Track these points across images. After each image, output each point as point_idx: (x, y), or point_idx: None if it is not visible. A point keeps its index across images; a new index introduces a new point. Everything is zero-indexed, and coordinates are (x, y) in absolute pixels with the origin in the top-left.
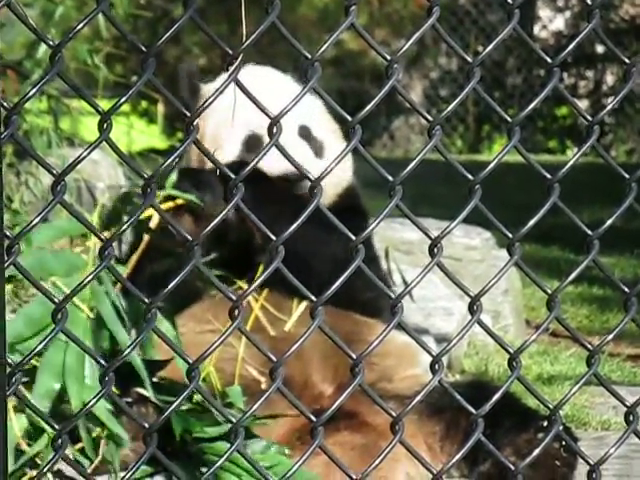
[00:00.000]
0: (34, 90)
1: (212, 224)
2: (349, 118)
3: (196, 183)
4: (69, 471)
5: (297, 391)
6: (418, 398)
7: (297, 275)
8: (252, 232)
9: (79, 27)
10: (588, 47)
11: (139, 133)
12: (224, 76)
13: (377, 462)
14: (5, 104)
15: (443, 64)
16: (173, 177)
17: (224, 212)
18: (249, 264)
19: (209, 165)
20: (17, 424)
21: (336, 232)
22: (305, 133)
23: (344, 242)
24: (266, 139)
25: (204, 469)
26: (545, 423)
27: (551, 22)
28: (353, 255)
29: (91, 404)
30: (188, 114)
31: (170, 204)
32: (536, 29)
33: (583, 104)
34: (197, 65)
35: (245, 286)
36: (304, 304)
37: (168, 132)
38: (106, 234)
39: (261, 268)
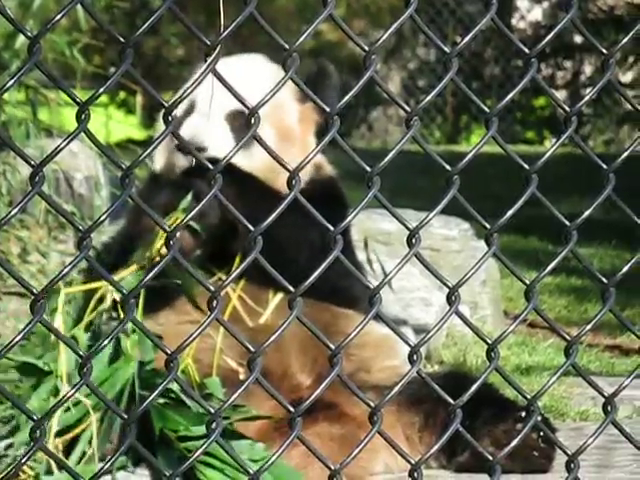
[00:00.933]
0: (12, 81)
1: (190, 215)
2: (327, 109)
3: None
4: None
5: (275, 382)
6: (396, 389)
7: (275, 266)
8: (232, 223)
9: (57, 18)
10: (566, 37)
11: (117, 124)
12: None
13: (355, 453)
14: None
15: (421, 55)
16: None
17: (202, 202)
18: (227, 255)
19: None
20: None
21: (314, 222)
22: (234, 119)
23: (322, 232)
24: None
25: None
26: (523, 414)
27: (529, 12)
28: (331, 245)
29: (70, 394)
30: (166, 105)
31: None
32: (514, 20)
33: (561, 95)
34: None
35: (224, 277)
36: (280, 295)
37: (146, 123)
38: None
39: (238, 259)
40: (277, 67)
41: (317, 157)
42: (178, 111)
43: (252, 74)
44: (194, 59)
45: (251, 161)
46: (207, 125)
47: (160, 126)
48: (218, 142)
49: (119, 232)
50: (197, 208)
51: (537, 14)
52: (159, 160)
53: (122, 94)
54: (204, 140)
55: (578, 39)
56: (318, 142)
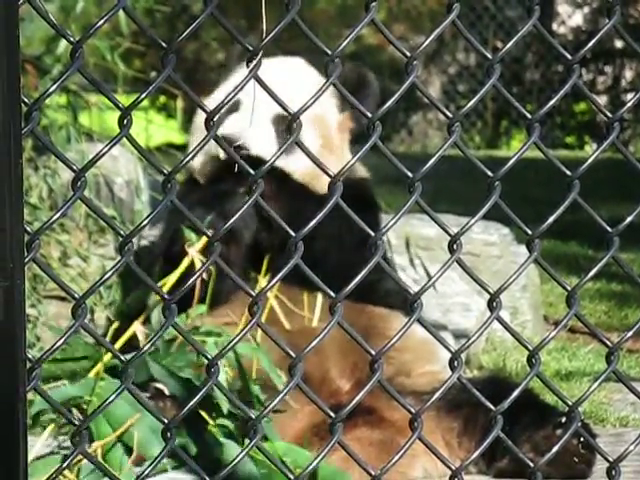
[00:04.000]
0: (55, 86)
1: (230, 222)
2: (369, 115)
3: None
4: None
5: (315, 386)
6: (437, 395)
7: (313, 269)
8: (271, 228)
9: (100, 23)
10: (607, 42)
11: (158, 127)
12: (241, 71)
13: (397, 459)
14: (26, 100)
15: (461, 59)
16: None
17: (245, 207)
18: (258, 253)
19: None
20: None
21: (352, 226)
22: (279, 122)
23: (360, 236)
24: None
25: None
26: (563, 419)
27: (570, 18)
28: (372, 250)
29: (111, 399)
30: (209, 111)
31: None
32: (555, 25)
33: (602, 100)
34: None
35: (259, 278)
36: (320, 298)
37: (187, 127)
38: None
39: (266, 260)
40: (317, 71)
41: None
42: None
43: (294, 78)
44: (232, 63)
45: (293, 166)
46: (251, 125)
47: (196, 128)
48: (261, 144)
49: (160, 239)
50: (238, 213)
51: (578, 19)
52: (196, 164)
53: (162, 98)
54: (247, 140)
55: (619, 44)
56: (357, 147)
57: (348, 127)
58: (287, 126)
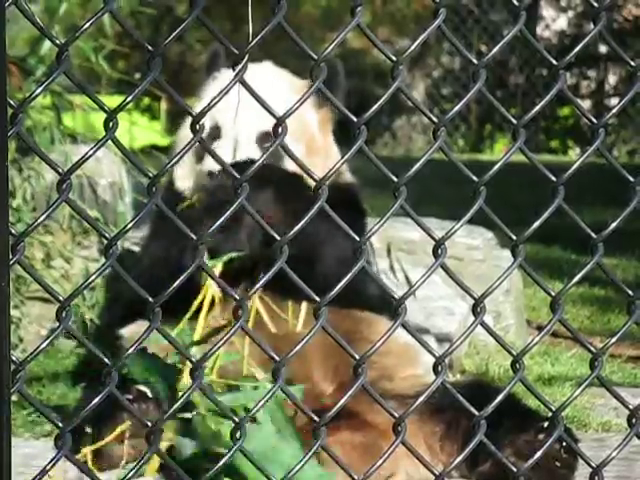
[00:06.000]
0: (40, 89)
1: (217, 223)
2: (354, 119)
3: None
4: None
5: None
6: (421, 399)
7: (298, 274)
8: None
9: (87, 26)
10: (591, 47)
11: (141, 129)
12: (226, 74)
13: (380, 463)
14: (11, 102)
15: (445, 63)
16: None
17: (229, 211)
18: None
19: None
20: None
21: (337, 231)
22: (264, 140)
23: (344, 240)
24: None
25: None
26: (546, 424)
27: (554, 22)
28: (357, 255)
29: (94, 402)
30: (194, 113)
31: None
32: (539, 29)
33: (585, 104)
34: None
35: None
36: (305, 303)
37: (171, 129)
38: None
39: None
40: (288, 73)
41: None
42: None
43: (268, 83)
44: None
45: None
46: (238, 150)
47: (183, 134)
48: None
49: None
50: (225, 215)
51: (562, 23)
52: (179, 170)
53: (146, 100)
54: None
55: (603, 49)
56: (341, 148)
57: (328, 121)
58: (272, 131)
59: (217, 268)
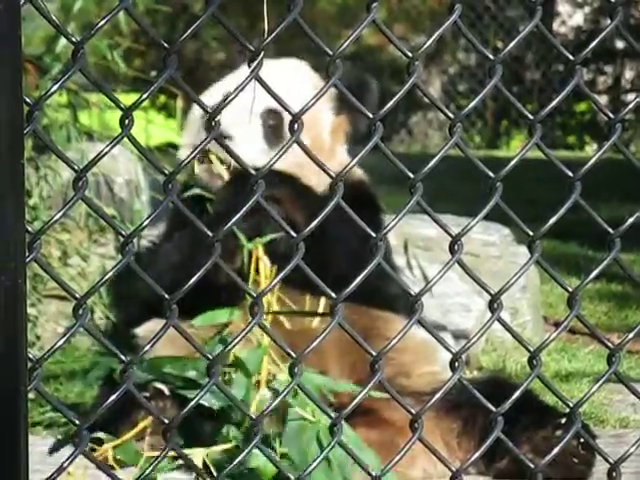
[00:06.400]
0: (56, 86)
1: (230, 223)
2: (370, 115)
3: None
4: None
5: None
6: (438, 395)
7: (314, 270)
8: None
9: (102, 23)
10: (608, 42)
11: (157, 127)
12: (240, 71)
13: (397, 460)
14: (27, 100)
15: (461, 59)
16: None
17: (245, 208)
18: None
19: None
20: None
21: (352, 227)
22: (267, 117)
23: (360, 237)
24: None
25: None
26: (563, 420)
27: (570, 17)
28: (373, 251)
29: (111, 399)
30: (209, 110)
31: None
32: (555, 25)
33: (602, 99)
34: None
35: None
36: (323, 298)
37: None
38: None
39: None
40: (313, 71)
41: (347, 161)
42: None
43: (291, 78)
44: (234, 63)
45: (281, 165)
46: (239, 118)
47: (189, 128)
48: (246, 136)
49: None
50: (240, 214)
51: (578, 19)
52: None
53: (162, 98)
54: (233, 131)
55: (620, 44)
56: (356, 148)
57: (342, 130)
58: (288, 127)
59: (259, 250)
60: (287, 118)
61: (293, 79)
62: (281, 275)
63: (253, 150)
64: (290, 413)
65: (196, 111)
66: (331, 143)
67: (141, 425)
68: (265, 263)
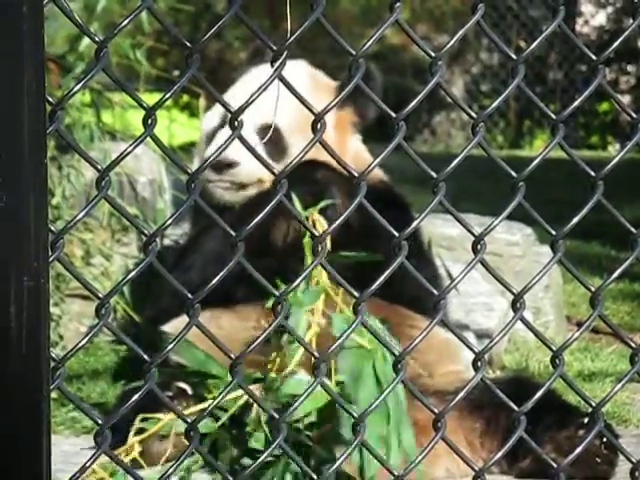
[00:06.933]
0: (79, 86)
1: (255, 221)
2: (393, 115)
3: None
4: None
5: None
6: (461, 395)
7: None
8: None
9: (125, 23)
10: (630, 42)
11: (180, 126)
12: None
13: (420, 459)
14: (50, 99)
15: (484, 59)
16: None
17: (266, 210)
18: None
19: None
20: None
21: (378, 227)
22: (264, 132)
23: (387, 237)
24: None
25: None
26: (585, 420)
27: (593, 17)
28: (396, 251)
29: (134, 399)
30: (232, 110)
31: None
32: (578, 25)
33: (625, 99)
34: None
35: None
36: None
37: None
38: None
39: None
40: (315, 71)
41: (367, 160)
42: (211, 124)
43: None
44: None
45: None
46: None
47: (204, 130)
48: (249, 157)
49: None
50: (264, 212)
51: (601, 19)
52: (196, 162)
53: (185, 97)
54: (235, 156)
55: None
56: (378, 146)
57: (348, 123)
58: (311, 127)
59: (315, 216)
60: (287, 133)
61: (296, 81)
62: (304, 274)
63: (258, 167)
64: (348, 342)
65: (209, 118)
66: (337, 138)
67: (161, 424)
68: (322, 224)
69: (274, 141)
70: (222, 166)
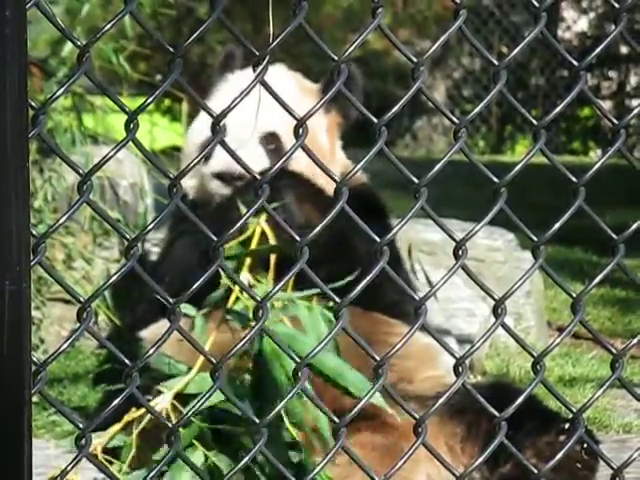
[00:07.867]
0: (61, 90)
1: (236, 227)
2: (375, 120)
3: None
4: None
5: (317, 391)
6: (442, 400)
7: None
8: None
9: (107, 27)
10: (612, 48)
11: (162, 130)
12: (240, 76)
13: (400, 464)
14: (32, 103)
15: (466, 64)
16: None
17: (249, 214)
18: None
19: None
20: None
21: (358, 233)
22: (268, 141)
23: (365, 242)
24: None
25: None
26: (566, 425)
27: (575, 23)
28: (377, 257)
29: (115, 403)
30: (215, 114)
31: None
32: (560, 30)
33: (606, 105)
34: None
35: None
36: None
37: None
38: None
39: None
40: (299, 76)
41: (348, 165)
42: (204, 135)
43: (277, 85)
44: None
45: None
46: (241, 150)
47: (190, 137)
48: (256, 167)
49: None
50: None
51: (583, 25)
52: (189, 179)
53: (167, 101)
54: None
55: (624, 49)
56: (360, 150)
57: (335, 124)
58: (293, 132)
59: (262, 223)
60: (286, 140)
61: (282, 85)
62: (285, 280)
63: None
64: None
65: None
66: (329, 142)
67: (127, 418)
68: (270, 238)
69: (275, 150)
70: (230, 178)
